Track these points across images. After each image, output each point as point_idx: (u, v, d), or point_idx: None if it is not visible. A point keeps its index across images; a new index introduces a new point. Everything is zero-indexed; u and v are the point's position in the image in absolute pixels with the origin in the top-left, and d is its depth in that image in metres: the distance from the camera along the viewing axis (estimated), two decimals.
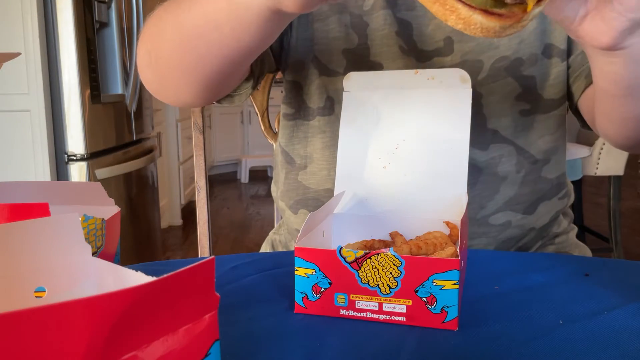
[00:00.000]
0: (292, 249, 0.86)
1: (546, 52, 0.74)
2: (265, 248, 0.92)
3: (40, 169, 1.98)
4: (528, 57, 0.73)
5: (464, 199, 0.58)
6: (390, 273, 0.47)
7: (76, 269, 0.33)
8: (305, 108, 0.80)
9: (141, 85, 2.48)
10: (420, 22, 0.74)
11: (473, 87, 0.63)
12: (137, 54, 0.70)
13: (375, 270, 0.48)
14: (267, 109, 1.08)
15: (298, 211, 0.82)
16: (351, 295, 0.49)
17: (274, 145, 1.00)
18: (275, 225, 0.97)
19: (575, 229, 0.87)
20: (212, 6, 0.55)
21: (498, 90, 0.73)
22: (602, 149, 2.23)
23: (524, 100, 0.74)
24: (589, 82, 0.73)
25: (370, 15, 0.74)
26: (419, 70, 0.64)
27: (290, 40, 0.77)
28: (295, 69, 0.79)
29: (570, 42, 0.75)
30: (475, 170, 0.73)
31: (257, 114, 1.09)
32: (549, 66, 0.75)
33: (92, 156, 2.08)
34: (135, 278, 0.29)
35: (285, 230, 0.88)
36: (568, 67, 0.76)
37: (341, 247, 0.48)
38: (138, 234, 2.47)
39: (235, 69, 0.65)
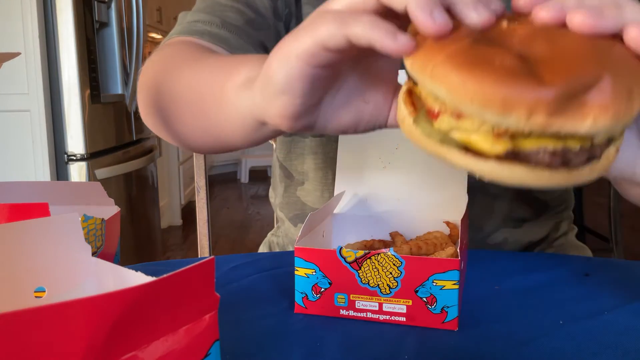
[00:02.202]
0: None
1: None
2: (262, 250, 0.92)
3: (40, 169, 1.98)
4: None
5: (464, 199, 0.58)
6: (390, 273, 0.47)
7: (76, 269, 0.33)
8: None
9: None
10: None
11: None
12: (137, 96, 0.64)
13: (375, 270, 0.48)
14: None
15: (297, 224, 0.81)
16: (351, 295, 0.49)
17: (274, 145, 1.00)
18: (275, 226, 0.97)
19: (575, 229, 0.86)
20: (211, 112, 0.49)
21: None
22: None
23: None
24: None
25: None
26: None
27: None
28: None
29: None
30: (470, 192, 0.70)
31: None
32: None
33: (92, 156, 2.08)
34: (135, 278, 0.29)
35: (283, 233, 0.88)
36: None
37: (341, 247, 0.48)
38: (138, 234, 2.47)
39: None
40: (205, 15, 0.66)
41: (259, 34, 0.68)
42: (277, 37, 0.71)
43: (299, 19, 0.72)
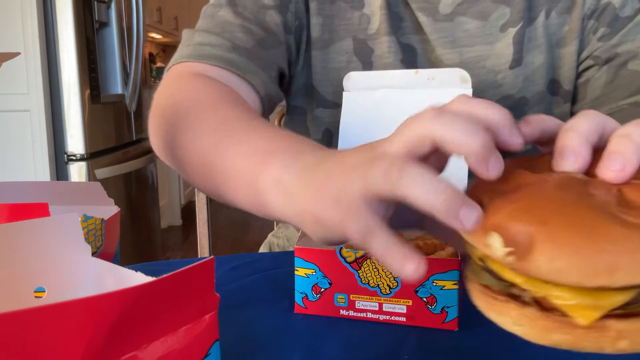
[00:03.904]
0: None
1: (550, 88, 0.70)
2: (263, 251, 0.92)
3: (40, 169, 1.98)
4: (532, 96, 0.70)
5: None
6: (390, 273, 0.47)
7: (76, 269, 0.33)
8: (307, 136, 0.78)
9: (141, 85, 2.48)
10: (425, 47, 0.71)
11: None
12: (149, 125, 0.61)
13: (375, 270, 0.48)
14: None
15: (300, 231, 0.81)
16: (351, 295, 0.49)
17: None
18: (275, 227, 0.97)
19: None
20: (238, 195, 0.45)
21: None
22: None
23: None
24: None
25: (375, 40, 0.70)
26: (419, 70, 0.64)
27: (296, 67, 0.73)
28: (297, 95, 0.76)
29: (576, 87, 0.71)
30: None
31: None
32: (552, 104, 0.71)
33: (92, 156, 2.08)
34: (135, 278, 0.29)
35: (284, 234, 0.88)
36: (571, 113, 0.71)
37: (341, 247, 0.48)
38: (138, 234, 2.47)
39: None
40: (214, 38, 0.64)
41: (270, 53, 0.67)
42: (288, 52, 0.70)
43: (309, 30, 0.71)
